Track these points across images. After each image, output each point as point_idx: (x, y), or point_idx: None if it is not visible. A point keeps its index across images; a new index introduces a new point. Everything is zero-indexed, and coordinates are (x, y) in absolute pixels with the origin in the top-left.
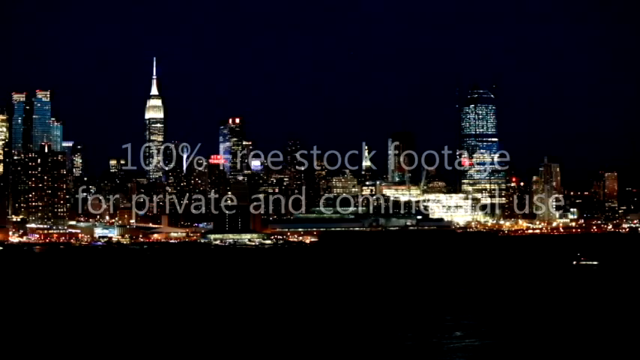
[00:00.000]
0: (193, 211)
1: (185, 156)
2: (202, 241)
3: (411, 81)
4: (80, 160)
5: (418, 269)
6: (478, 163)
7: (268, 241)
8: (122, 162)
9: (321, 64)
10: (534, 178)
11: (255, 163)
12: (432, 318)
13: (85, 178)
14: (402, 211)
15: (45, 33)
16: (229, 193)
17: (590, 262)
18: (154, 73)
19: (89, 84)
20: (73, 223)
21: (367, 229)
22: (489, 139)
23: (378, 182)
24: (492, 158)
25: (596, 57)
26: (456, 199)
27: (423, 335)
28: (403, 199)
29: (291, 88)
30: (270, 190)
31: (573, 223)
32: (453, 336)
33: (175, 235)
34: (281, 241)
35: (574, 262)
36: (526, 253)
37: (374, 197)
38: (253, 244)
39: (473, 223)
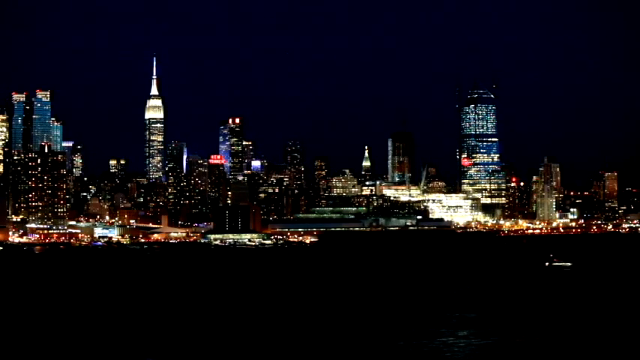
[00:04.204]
0: (193, 210)
1: (185, 156)
2: (202, 241)
3: (411, 81)
4: (80, 160)
5: (418, 269)
6: (478, 163)
7: (268, 241)
8: (122, 162)
9: (320, 64)
10: (534, 178)
11: (255, 164)
12: (430, 318)
13: (85, 178)
14: (402, 211)
15: (45, 33)
16: (229, 193)
17: (564, 264)
18: (154, 73)
19: (89, 84)
20: (73, 223)
21: (367, 229)
22: (489, 139)
23: (378, 182)
24: (492, 158)
25: (597, 57)
26: (456, 199)
27: (423, 335)
28: (403, 199)
29: (291, 88)
30: (270, 190)
31: (573, 223)
32: (455, 335)
33: (175, 235)
34: (281, 241)
35: (546, 264)
36: (506, 254)
37: (374, 197)
38: (253, 244)
39: (473, 223)
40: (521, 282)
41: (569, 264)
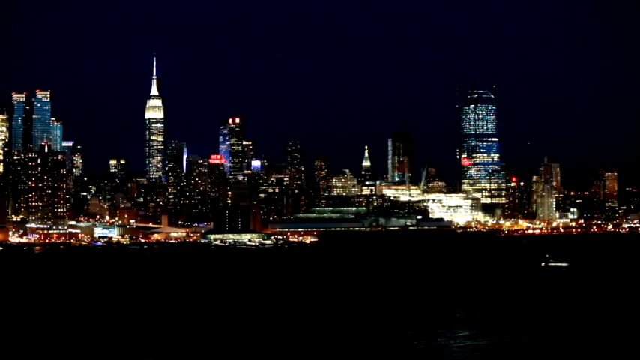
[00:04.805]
0: (193, 211)
1: (185, 156)
2: (202, 241)
3: (411, 81)
4: (80, 160)
5: (418, 269)
6: (478, 163)
7: (268, 241)
8: (122, 162)
9: (320, 64)
10: (534, 178)
11: (255, 164)
12: (430, 318)
13: (85, 178)
14: (402, 211)
15: (45, 33)
16: (229, 193)
17: (560, 264)
18: (154, 73)
19: (89, 84)
20: (73, 223)
21: (367, 229)
22: (489, 139)
23: (378, 182)
24: (492, 158)
25: (597, 57)
26: (456, 199)
27: (424, 335)
28: (403, 199)
29: (291, 88)
30: (270, 190)
31: (573, 223)
32: (455, 335)
33: (175, 235)
34: (281, 241)
35: (542, 264)
36: (505, 254)
37: (374, 197)
38: (253, 244)
39: (473, 223)
40: (517, 282)
41: (566, 264)
